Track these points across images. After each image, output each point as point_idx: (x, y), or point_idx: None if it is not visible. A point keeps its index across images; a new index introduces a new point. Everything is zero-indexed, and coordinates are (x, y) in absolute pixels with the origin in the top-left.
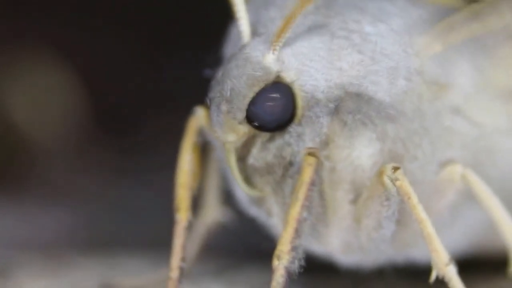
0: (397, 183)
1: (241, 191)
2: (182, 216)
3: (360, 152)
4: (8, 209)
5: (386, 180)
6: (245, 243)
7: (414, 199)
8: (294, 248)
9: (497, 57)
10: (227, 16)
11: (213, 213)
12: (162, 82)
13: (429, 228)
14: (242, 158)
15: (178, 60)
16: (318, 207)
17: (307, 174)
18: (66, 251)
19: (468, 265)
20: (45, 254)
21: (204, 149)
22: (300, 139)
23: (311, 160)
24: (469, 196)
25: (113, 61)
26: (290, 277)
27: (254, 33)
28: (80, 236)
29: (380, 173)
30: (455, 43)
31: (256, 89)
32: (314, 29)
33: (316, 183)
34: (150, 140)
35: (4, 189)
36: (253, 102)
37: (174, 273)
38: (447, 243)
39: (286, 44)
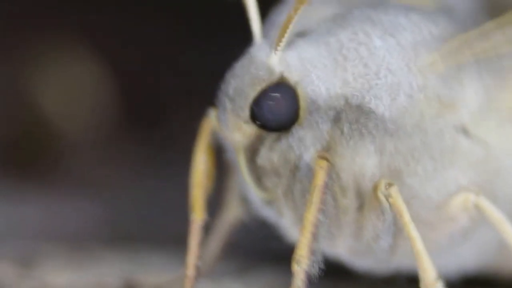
0: (390, 200)
1: (253, 192)
2: (197, 215)
3: (359, 163)
4: (35, 199)
5: (380, 196)
6: (267, 243)
7: (406, 217)
8: (312, 252)
9: (505, 78)
10: (264, 10)
11: (235, 211)
12: (194, 73)
13: (419, 246)
14: (252, 159)
15: (211, 50)
16: (332, 209)
17: (320, 177)
18: (91, 244)
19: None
20: (70, 246)
21: (223, 149)
22: (301, 143)
23: (323, 163)
24: (482, 219)
25: (144, 52)
26: (310, 280)
27: (265, 35)
28: (105, 229)
29: (375, 188)
30: (461, 62)
31: (259, 88)
32: (324, 37)
33: (329, 186)
34: (180, 133)
35: (32, 180)
36: (255, 101)
37: (190, 271)
38: (459, 261)
39: (293, 47)
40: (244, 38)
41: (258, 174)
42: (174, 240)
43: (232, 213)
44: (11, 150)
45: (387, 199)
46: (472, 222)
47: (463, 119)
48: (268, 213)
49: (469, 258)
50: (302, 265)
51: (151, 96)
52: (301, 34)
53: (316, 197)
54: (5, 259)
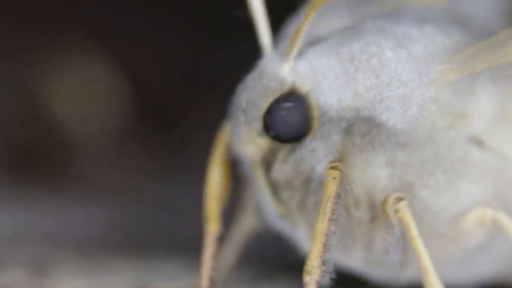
0: (398, 214)
1: (268, 204)
2: (212, 227)
3: (370, 175)
4: (46, 204)
5: (389, 210)
6: (281, 253)
7: (414, 232)
8: (324, 262)
9: None
10: (280, 7)
11: (250, 221)
12: (207, 75)
13: (426, 262)
14: (266, 172)
15: (226, 54)
16: (345, 220)
17: (332, 188)
18: (103, 250)
19: None
20: (82, 253)
21: (239, 159)
22: (314, 154)
23: (335, 173)
24: (498, 232)
25: (157, 56)
26: None
27: (275, 46)
28: (117, 234)
29: (384, 202)
30: (475, 72)
31: (270, 99)
32: (336, 48)
33: (341, 196)
34: (193, 137)
35: (43, 184)
36: (268, 112)
37: (204, 283)
38: (473, 272)
39: (304, 57)
40: (258, 43)
41: (273, 188)
42: (187, 246)
43: (247, 223)
44: (22, 154)
45: (395, 214)
46: (489, 236)
47: (476, 129)
48: (282, 226)
49: (484, 268)
50: (314, 276)
51: (164, 100)
52: (313, 44)
53: (327, 207)
54: (15, 266)
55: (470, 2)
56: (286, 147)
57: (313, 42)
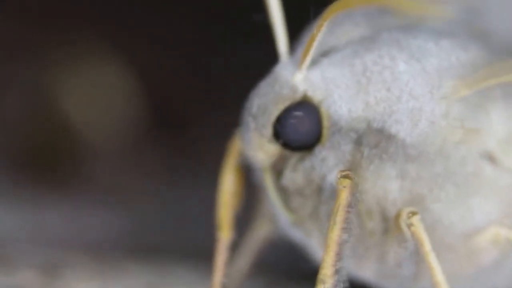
0: (411, 228)
1: (280, 212)
2: (224, 234)
3: (381, 187)
4: (58, 207)
5: (402, 224)
6: (295, 260)
7: (427, 246)
8: (337, 271)
9: None
10: (299, 13)
11: (265, 229)
12: (221, 79)
13: (439, 276)
14: (277, 180)
15: (240, 58)
16: (358, 229)
17: (343, 196)
18: (114, 253)
19: None
20: (93, 256)
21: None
22: (324, 163)
23: (346, 182)
24: None
25: (171, 60)
26: None
27: (292, 52)
28: (128, 238)
29: (397, 216)
30: (487, 89)
31: (281, 106)
32: (349, 58)
33: (353, 205)
34: (206, 142)
35: (54, 186)
36: (278, 120)
37: None
38: (488, 286)
39: (318, 66)
40: (274, 46)
41: (284, 195)
42: (200, 251)
43: (261, 231)
44: (34, 156)
45: (409, 228)
46: (503, 255)
47: (488, 146)
48: (295, 234)
49: (498, 284)
50: (327, 285)
51: (177, 103)
52: (328, 54)
53: (339, 216)
54: (27, 267)
55: (489, 16)
56: (296, 155)
57: (328, 51)
